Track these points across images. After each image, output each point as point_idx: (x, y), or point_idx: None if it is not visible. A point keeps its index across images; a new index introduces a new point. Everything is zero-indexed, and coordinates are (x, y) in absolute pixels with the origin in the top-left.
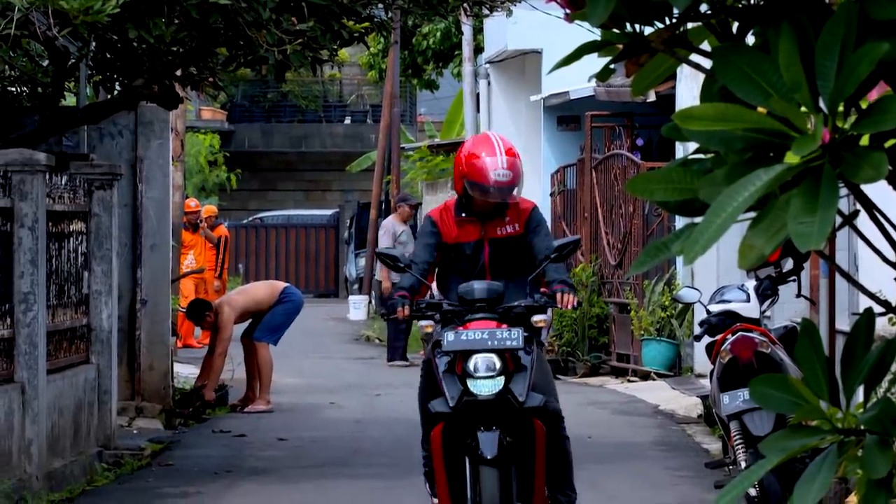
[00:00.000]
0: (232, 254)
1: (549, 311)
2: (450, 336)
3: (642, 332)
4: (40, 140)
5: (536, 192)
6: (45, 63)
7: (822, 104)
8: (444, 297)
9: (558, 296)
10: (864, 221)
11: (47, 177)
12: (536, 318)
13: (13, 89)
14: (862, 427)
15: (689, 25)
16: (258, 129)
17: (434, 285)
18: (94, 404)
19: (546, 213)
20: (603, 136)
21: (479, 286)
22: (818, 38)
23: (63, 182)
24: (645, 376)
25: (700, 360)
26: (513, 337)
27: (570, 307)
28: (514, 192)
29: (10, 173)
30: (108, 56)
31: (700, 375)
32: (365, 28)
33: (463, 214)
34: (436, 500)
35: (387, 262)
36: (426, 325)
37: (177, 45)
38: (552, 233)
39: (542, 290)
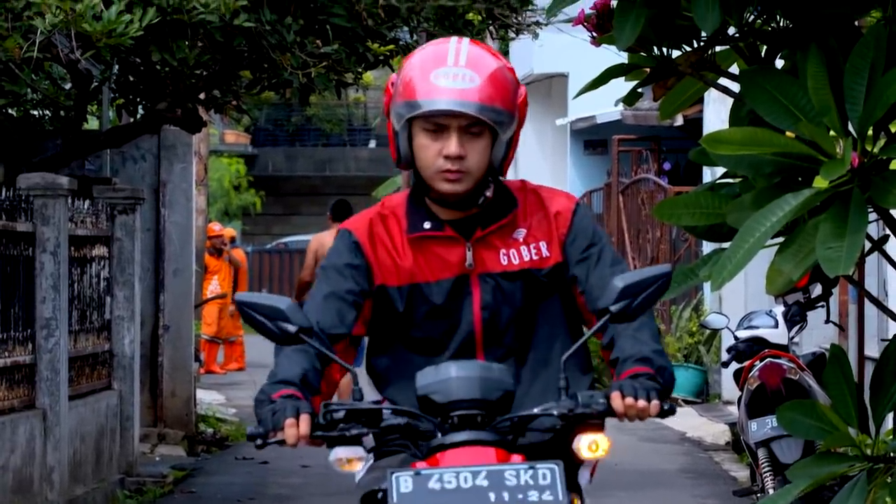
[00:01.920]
0: (255, 279)
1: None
2: (403, 485)
3: (670, 359)
4: (62, 164)
5: None
6: (68, 86)
7: (850, 128)
8: (385, 399)
9: (626, 400)
10: (893, 246)
11: (69, 201)
12: (585, 441)
13: (35, 113)
14: (892, 454)
15: (717, 49)
16: (282, 152)
17: (363, 372)
18: (116, 431)
19: None
20: (630, 161)
21: (461, 373)
22: (847, 61)
23: (85, 206)
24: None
25: (728, 386)
26: (542, 485)
27: (653, 414)
28: (496, 116)
29: (32, 198)
30: (131, 79)
31: (728, 402)
32: (390, 51)
33: (426, 224)
34: None
35: (258, 320)
36: (349, 457)
37: (200, 68)
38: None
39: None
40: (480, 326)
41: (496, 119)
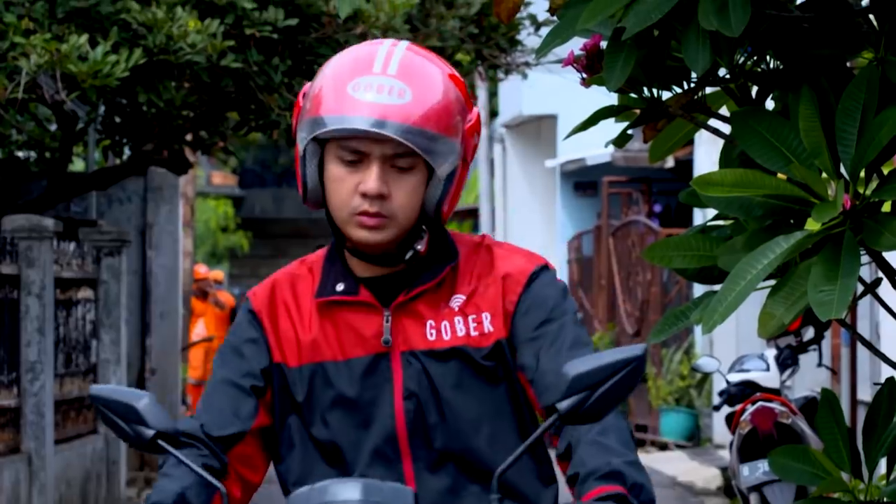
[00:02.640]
0: None
1: None
2: None
3: (660, 402)
4: (48, 206)
5: (553, 260)
6: (53, 127)
7: (843, 170)
8: None
9: None
10: (886, 289)
11: (55, 243)
12: None
13: (20, 154)
14: (885, 500)
15: (708, 90)
16: (270, 194)
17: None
18: (102, 475)
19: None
20: (620, 203)
21: (347, 493)
22: (839, 102)
23: (71, 249)
24: (663, 447)
25: (719, 430)
26: None
27: None
28: (431, 144)
29: (16, 240)
30: (117, 120)
31: (719, 446)
32: None
33: (338, 286)
34: None
35: (112, 421)
36: None
37: (187, 109)
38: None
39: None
40: (404, 423)
41: (429, 148)
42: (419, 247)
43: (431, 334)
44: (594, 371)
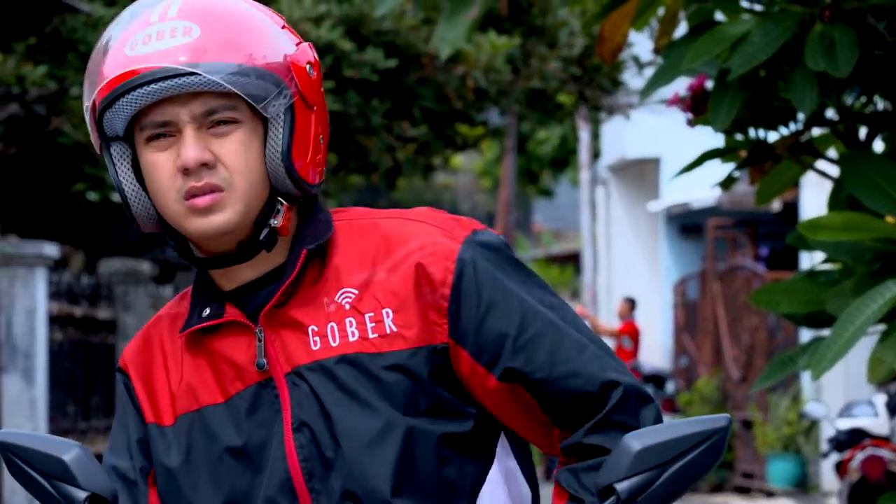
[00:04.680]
0: None
1: None
2: None
3: (767, 448)
4: (144, 250)
5: (657, 303)
6: None
7: None
8: None
9: None
10: None
11: (151, 287)
12: None
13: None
14: None
15: (815, 131)
16: None
17: None
18: None
19: (668, 326)
20: (725, 246)
21: None
22: None
23: (168, 293)
24: (770, 494)
25: (828, 477)
26: None
27: None
28: (242, 79)
29: (113, 284)
30: None
31: (827, 493)
32: (479, 134)
33: (205, 311)
34: None
35: (28, 475)
36: None
37: None
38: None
39: None
40: (297, 461)
41: (242, 85)
42: (275, 222)
43: (315, 343)
44: (666, 445)
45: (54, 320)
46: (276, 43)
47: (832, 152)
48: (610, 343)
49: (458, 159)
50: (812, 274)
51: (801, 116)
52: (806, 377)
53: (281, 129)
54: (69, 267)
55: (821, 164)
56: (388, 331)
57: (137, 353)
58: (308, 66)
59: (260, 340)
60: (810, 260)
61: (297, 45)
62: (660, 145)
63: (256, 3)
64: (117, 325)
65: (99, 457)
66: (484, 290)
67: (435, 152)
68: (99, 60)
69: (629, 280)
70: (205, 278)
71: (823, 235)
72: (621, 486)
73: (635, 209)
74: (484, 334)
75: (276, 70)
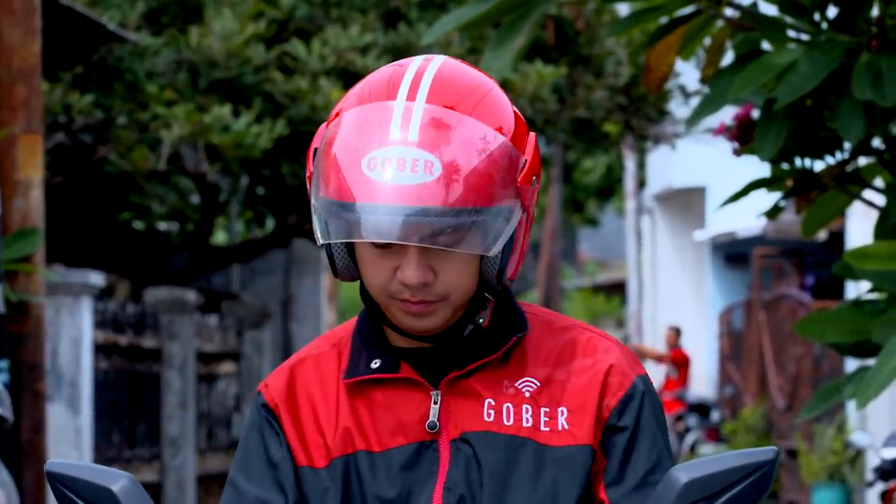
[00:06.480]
0: None
1: None
2: None
3: (812, 478)
4: (190, 279)
5: (702, 332)
6: (195, 199)
7: None
8: None
9: None
10: None
11: (197, 316)
12: None
13: (162, 226)
14: None
15: (862, 161)
16: None
17: None
18: None
19: (713, 355)
20: (771, 275)
21: None
22: None
23: (213, 322)
24: None
25: None
26: None
27: None
28: (478, 217)
29: (159, 313)
30: (260, 192)
31: None
32: None
33: (374, 363)
34: None
35: None
36: None
37: None
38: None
39: None
40: None
41: (476, 223)
42: (481, 320)
43: (489, 415)
44: (712, 478)
45: (100, 349)
46: (509, 173)
47: (879, 181)
48: (656, 370)
49: None
50: (858, 303)
51: (847, 146)
52: (851, 406)
53: (502, 250)
54: (115, 296)
55: (867, 194)
56: (560, 427)
57: (287, 394)
58: (533, 180)
59: (436, 403)
60: (856, 289)
61: (524, 153)
62: (705, 174)
63: (486, 82)
64: (162, 353)
65: (146, 486)
66: (641, 421)
67: None
68: (337, 156)
69: (674, 309)
70: (375, 329)
71: (869, 265)
72: None
73: (681, 238)
74: (625, 456)
75: (506, 200)
